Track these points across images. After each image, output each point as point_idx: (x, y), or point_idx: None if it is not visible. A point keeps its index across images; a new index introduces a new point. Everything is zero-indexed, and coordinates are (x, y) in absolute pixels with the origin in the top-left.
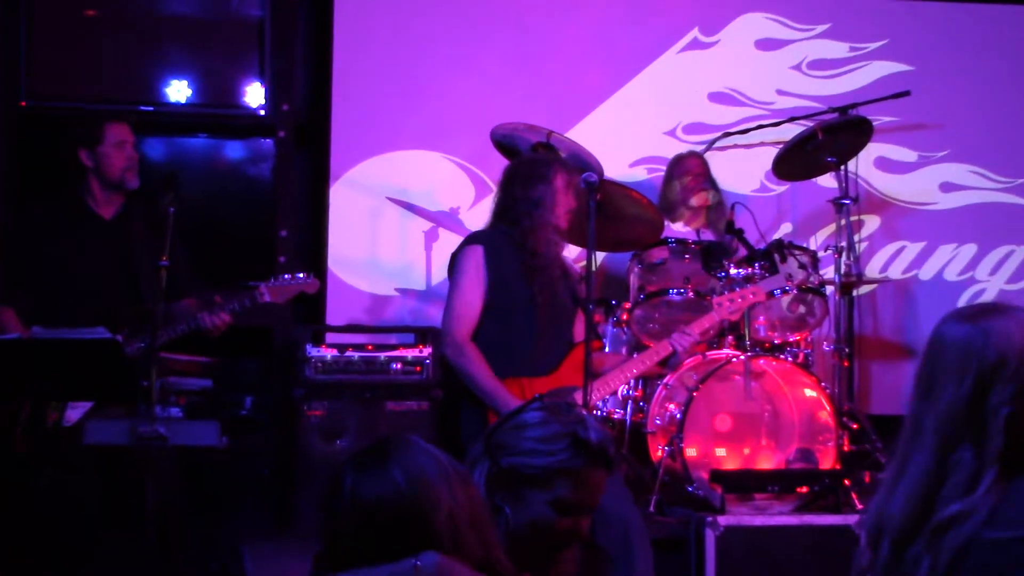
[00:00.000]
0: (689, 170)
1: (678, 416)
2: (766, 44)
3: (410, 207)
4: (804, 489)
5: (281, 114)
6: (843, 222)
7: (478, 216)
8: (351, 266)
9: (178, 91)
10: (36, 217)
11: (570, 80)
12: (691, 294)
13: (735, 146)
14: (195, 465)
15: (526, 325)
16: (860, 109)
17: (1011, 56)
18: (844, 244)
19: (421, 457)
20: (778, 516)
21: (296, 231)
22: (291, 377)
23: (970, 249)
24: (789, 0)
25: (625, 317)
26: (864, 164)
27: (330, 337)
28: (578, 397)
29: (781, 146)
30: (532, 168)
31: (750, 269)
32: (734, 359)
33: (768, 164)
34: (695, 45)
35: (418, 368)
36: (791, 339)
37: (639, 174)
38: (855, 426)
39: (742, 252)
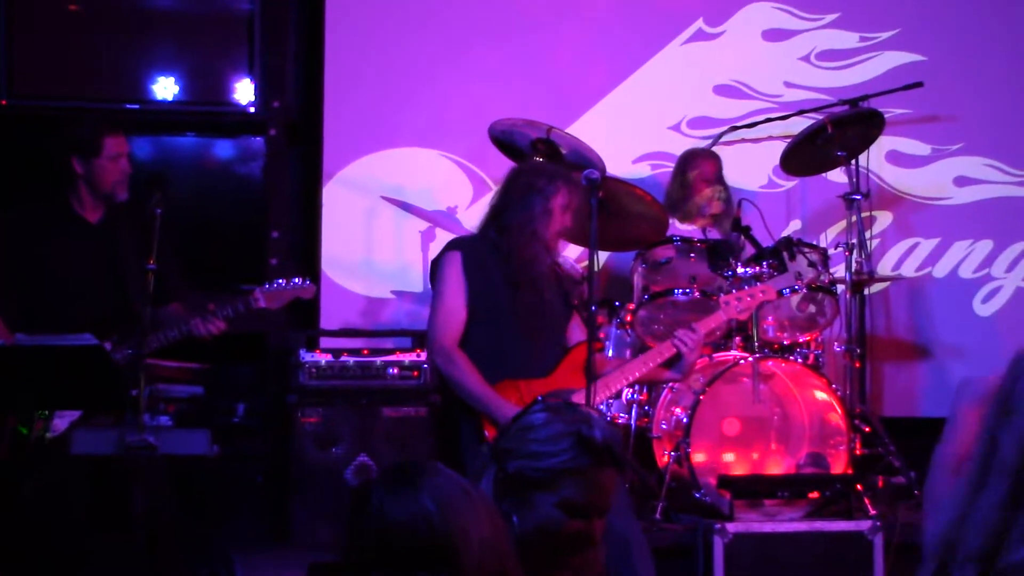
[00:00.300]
0: (705, 175)
1: (684, 420)
2: (773, 35)
3: (406, 207)
4: (815, 494)
5: (272, 111)
6: (854, 218)
7: (476, 215)
8: (345, 268)
9: (165, 88)
10: (20, 220)
11: (571, 74)
12: (697, 294)
13: (742, 140)
14: (186, 473)
15: (514, 330)
16: (871, 101)
17: None
18: (855, 241)
19: (449, 485)
20: (788, 522)
21: (288, 232)
22: (284, 383)
23: (986, 245)
24: None
25: (629, 318)
26: (875, 158)
27: (324, 342)
28: (576, 399)
29: (789, 140)
30: (534, 179)
31: (758, 268)
32: (742, 361)
33: (776, 159)
34: (700, 36)
35: (415, 373)
36: (801, 340)
37: (643, 170)
38: (867, 429)
39: (749, 250)
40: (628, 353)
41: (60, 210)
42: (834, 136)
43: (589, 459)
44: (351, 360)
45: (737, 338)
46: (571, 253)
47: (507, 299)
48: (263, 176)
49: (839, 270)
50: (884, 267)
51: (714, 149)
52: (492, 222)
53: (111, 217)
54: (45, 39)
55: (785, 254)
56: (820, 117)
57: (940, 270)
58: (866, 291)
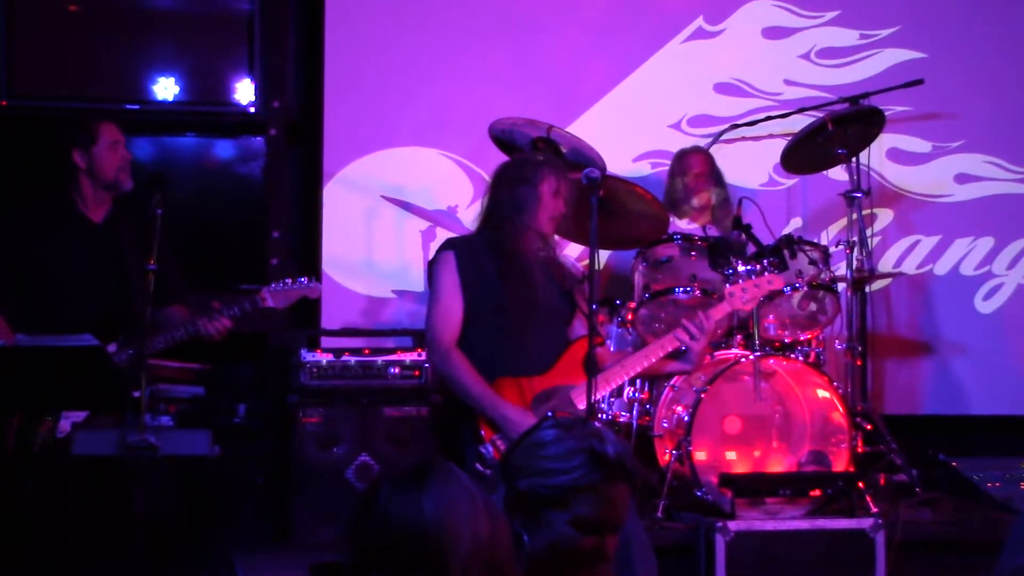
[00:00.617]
0: (691, 168)
1: (686, 418)
2: (773, 32)
3: (406, 206)
4: (817, 492)
5: (272, 111)
6: (855, 216)
7: (476, 214)
8: (346, 267)
9: (165, 88)
10: (22, 219)
11: (571, 73)
12: (698, 292)
13: (742, 139)
14: (188, 474)
15: (512, 327)
16: (871, 99)
17: None
18: (856, 239)
19: (456, 489)
20: (790, 520)
21: (289, 232)
22: (285, 383)
23: (987, 242)
24: None
25: (630, 317)
26: (876, 156)
27: (325, 341)
28: (576, 395)
29: (790, 138)
30: (518, 170)
31: (758, 266)
32: (743, 359)
33: (776, 157)
34: (699, 34)
35: (416, 372)
36: (802, 338)
37: (643, 169)
38: (869, 427)
39: (750, 248)
40: (629, 352)
41: (63, 210)
42: (834, 134)
43: (601, 475)
44: (352, 360)
45: (738, 336)
46: (572, 252)
47: (501, 295)
48: (263, 176)
49: (840, 268)
50: (885, 265)
51: (714, 147)
52: (486, 220)
53: (115, 216)
54: (45, 39)
55: (786, 252)
56: (820, 115)
57: (941, 267)
58: (867, 289)
